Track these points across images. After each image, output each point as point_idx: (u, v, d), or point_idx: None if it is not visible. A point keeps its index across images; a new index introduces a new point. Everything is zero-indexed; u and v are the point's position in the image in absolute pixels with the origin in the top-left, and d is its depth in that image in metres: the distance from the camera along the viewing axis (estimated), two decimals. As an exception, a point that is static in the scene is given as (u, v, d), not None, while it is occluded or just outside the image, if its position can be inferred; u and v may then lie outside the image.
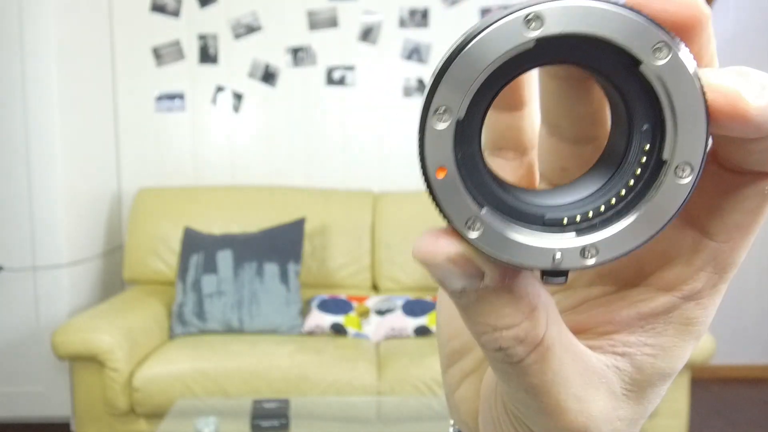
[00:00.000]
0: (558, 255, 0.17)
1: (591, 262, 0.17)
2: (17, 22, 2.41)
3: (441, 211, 0.17)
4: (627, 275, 0.21)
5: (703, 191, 0.18)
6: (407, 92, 2.89)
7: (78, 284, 2.61)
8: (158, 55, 2.91)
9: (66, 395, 2.51)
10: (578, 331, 0.21)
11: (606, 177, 0.18)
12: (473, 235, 0.17)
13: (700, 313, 0.20)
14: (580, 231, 0.17)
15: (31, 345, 2.52)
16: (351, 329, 2.41)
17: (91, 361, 2.09)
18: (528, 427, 0.21)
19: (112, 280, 2.89)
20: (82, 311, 2.39)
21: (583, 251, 0.17)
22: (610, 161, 0.18)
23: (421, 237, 0.18)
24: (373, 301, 2.54)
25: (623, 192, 0.17)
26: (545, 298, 0.19)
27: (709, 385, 3.00)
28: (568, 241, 0.17)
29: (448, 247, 0.18)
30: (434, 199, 0.17)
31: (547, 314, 0.19)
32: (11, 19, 2.41)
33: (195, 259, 2.49)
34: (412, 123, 2.75)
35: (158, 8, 2.89)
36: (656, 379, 0.21)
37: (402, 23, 2.89)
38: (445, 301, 0.26)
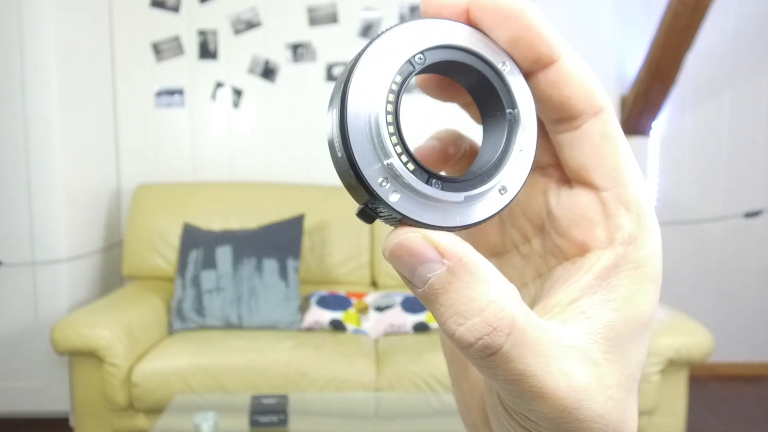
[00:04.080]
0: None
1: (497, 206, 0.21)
2: (17, 17, 2.40)
3: (356, 171, 0.20)
4: (570, 249, 0.23)
5: (563, 156, 0.23)
6: (407, 88, 2.88)
7: (77, 280, 2.61)
8: (158, 50, 2.91)
9: (65, 390, 2.52)
10: (544, 312, 0.22)
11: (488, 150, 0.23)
12: (393, 198, 0.20)
13: (643, 253, 0.22)
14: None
15: (30, 340, 2.53)
16: (350, 325, 2.41)
17: (90, 356, 2.09)
18: (527, 418, 0.21)
19: (112, 275, 2.89)
20: (82, 306, 2.39)
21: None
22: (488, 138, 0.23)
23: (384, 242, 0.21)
24: (372, 298, 2.54)
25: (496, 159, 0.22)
26: (506, 282, 0.20)
27: (707, 383, 3.00)
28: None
29: (400, 236, 0.20)
30: (351, 158, 0.20)
31: (511, 296, 0.20)
32: (11, 15, 2.40)
33: (194, 255, 2.49)
34: (412, 120, 2.75)
35: (158, 4, 2.88)
36: (629, 332, 0.21)
37: (402, 19, 2.88)
38: None
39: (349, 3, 2.89)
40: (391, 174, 0.20)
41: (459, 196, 0.21)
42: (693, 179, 3.08)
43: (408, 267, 0.20)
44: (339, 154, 0.21)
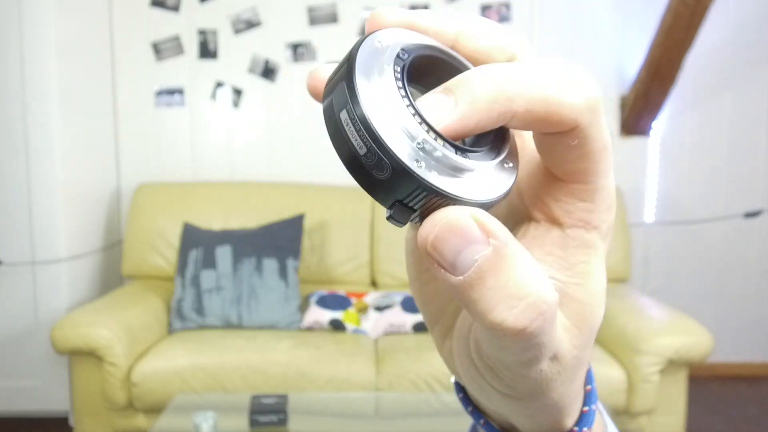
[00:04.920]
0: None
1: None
2: (17, 16, 2.40)
3: (383, 149, 0.19)
4: (539, 217, 0.24)
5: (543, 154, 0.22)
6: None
7: (77, 279, 2.61)
8: (158, 50, 2.91)
9: (64, 390, 2.52)
10: None
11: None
12: (434, 177, 0.19)
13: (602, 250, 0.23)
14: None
15: (29, 339, 2.53)
16: (350, 325, 2.41)
17: (90, 355, 2.09)
18: (497, 376, 0.23)
19: (111, 275, 2.89)
20: (81, 306, 2.39)
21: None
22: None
23: (420, 229, 0.20)
24: (371, 297, 2.54)
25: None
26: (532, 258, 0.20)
27: (707, 383, 3.00)
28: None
29: (446, 217, 0.19)
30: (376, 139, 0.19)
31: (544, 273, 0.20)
32: (11, 14, 2.40)
33: (194, 255, 2.49)
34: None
35: (158, 3, 2.88)
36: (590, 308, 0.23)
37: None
38: (414, 270, 0.27)
39: (349, 3, 2.89)
40: (425, 153, 0.19)
41: (491, 165, 0.20)
42: (693, 179, 3.08)
43: (453, 251, 0.19)
44: (362, 150, 0.19)
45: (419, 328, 2.39)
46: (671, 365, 2.09)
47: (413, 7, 2.88)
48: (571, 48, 2.94)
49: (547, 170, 0.23)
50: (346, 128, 0.20)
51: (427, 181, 0.19)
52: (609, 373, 2.12)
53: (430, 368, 2.13)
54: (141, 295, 2.49)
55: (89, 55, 2.75)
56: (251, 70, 2.93)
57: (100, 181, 2.85)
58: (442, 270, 0.19)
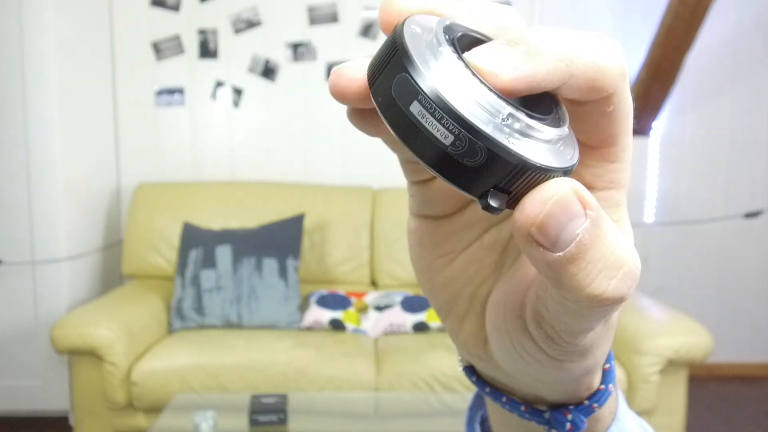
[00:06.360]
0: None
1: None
2: (17, 16, 2.40)
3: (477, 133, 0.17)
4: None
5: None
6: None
7: (77, 278, 2.61)
8: (158, 49, 2.91)
9: (64, 389, 2.52)
10: None
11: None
12: (530, 152, 0.18)
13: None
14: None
15: (29, 339, 2.53)
16: (349, 325, 2.41)
17: (90, 355, 2.09)
18: (555, 343, 0.22)
19: (111, 274, 2.89)
20: (81, 305, 2.39)
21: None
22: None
23: (517, 210, 0.19)
24: (371, 297, 2.54)
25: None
26: None
27: (706, 383, 3.00)
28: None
29: (555, 193, 0.18)
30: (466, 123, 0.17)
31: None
32: (11, 14, 2.40)
33: (194, 254, 2.49)
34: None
35: (158, 3, 2.88)
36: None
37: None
38: (423, 261, 0.27)
39: (349, 2, 2.89)
40: (511, 128, 0.18)
41: (564, 130, 0.19)
42: (693, 179, 3.08)
43: (558, 227, 0.18)
44: (447, 140, 0.18)
45: (419, 328, 2.39)
46: (671, 365, 2.09)
47: None
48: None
49: None
50: (423, 121, 0.18)
51: (526, 158, 0.18)
52: (609, 373, 2.11)
53: (429, 368, 2.13)
54: (141, 294, 2.49)
55: (89, 54, 2.74)
56: (251, 70, 2.93)
57: (100, 181, 2.85)
58: (541, 249, 0.18)
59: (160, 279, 2.67)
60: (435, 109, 0.17)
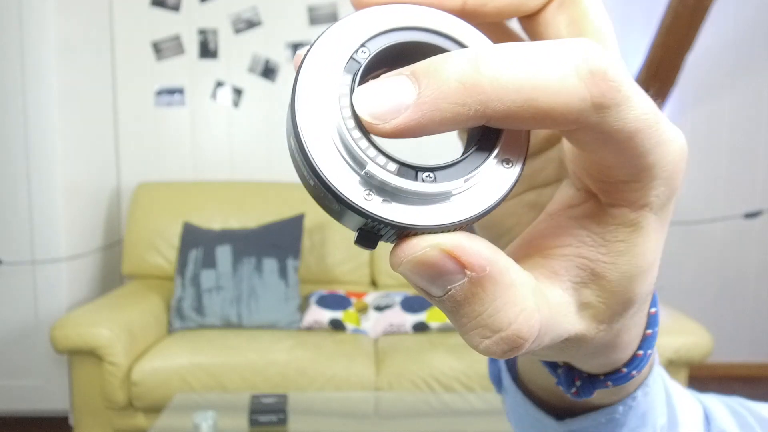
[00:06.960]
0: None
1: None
2: (17, 16, 2.40)
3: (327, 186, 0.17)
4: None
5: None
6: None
7: (77, 278, 2.61)
8: (158, 49, 2.91)
9: (64, 389, 2.52)
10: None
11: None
12: (385, 209, 0.17)
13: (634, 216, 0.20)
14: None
15: (29, 339, 2.53)
16: (349, 325, 2.41)
17: (90, 355, 2.09)
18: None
19: (111, 274, 2.89)
20: (81, 305, 2.39)
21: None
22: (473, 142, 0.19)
23: (390, 258, 0.18)
24: (371, 297, 2.55)
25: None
26: (527, 276, 0.19)
27: (706, 383, 3.00)
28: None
29: (413, 252, 0.17)
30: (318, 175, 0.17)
31: (535, 292, 0.18)
32: (11, 14, 2.40)
33: (194, 254, 2.49)
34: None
35: (158, 3, 2.88)
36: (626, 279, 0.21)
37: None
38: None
39: (349, 2, 2.88)
40: (374, 183, 0.17)
41: (458, 183, 0.17)
42: (693, 179, 3.08)
43: (424, 283, 0.18)
44: (311, 182, 0.18)
45: (419, 328, 2.39)
46: (671, 365, 2.09)
47: None
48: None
49: None
50: (296, 157, 0.18)
51: (379, 216, 0.17)
52: (609, 373, 2.11)
53: (429, 368, 2.13)
54: (141, 294, 2.49)
55: (89, 54, 2.74)
56: (251, 70, 2.93)
57: (100, 181, 2.85)
58: (420, 290, 0.18)
59: (160, 279, 2.67)
60: (298, 152, 0.17)
